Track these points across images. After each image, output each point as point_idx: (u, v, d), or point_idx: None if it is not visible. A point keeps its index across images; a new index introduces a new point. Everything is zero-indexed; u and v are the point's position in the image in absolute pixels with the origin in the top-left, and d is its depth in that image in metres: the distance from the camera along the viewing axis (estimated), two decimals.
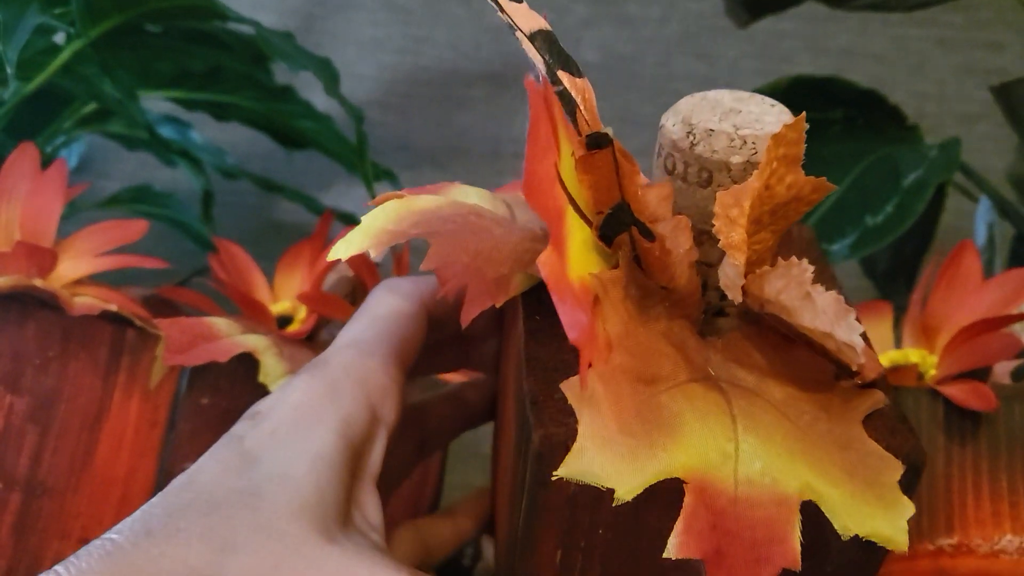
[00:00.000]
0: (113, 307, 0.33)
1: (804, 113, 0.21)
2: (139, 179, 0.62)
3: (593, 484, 0.19)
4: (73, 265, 0.36)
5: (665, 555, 0.18)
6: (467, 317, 0.25)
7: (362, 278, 0.40)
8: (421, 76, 0.79)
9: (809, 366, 0.23)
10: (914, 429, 0.22)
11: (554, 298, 0.19)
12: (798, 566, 0.18)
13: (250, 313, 0.37)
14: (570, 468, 0.19)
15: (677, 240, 0.22)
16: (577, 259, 0.21)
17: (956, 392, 0.30)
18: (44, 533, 0.32)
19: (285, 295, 0.40)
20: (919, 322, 0.35)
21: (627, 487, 0.19)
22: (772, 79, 0.49)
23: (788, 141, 0.21)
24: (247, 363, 0.34)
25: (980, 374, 0.31)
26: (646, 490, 0.19)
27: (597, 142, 0.22)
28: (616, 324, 0.21)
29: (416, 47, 0.80)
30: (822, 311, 0.20)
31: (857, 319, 0.20)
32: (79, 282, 0.36)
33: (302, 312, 0.39)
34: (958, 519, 0.28)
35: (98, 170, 0.70)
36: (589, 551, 0.23)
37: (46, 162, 0.38)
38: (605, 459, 0.19)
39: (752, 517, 0.19)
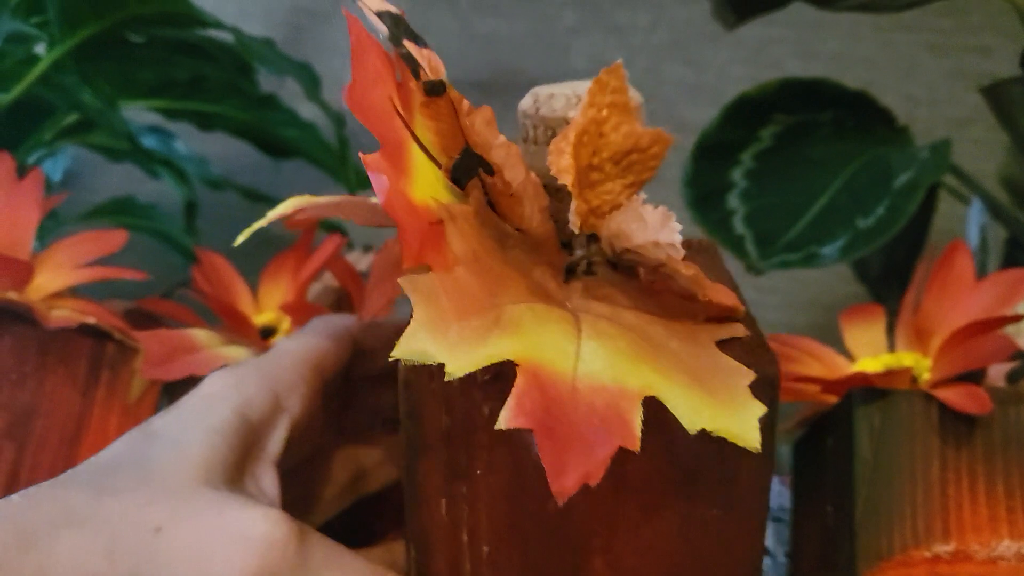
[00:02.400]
0: (91, 320, 0.33)
1: (621, 60, 0.24)
2: (124, 192, 0.61)
3: (424, 363, 0.19)
4: (51, 277, 0.35)
5: (496, 426, 0.18)
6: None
7: (347, 288, 0.39)
8: None
9: (673, 308, 0.24)
10: (773, 353, 0.23)
11: (380, 197, 0.20)
12: (636, 446, 0.19)
13: (232, 325, 0.36)
14: (402, 348, 0.19)
15: (512, 166, 0.23)
16: (423, 187, 0.22)
17: (951, 395, 0.29)
18: None
19: (269, 306, 0.40)
20: (912, 324, 0.34)
21: (458, 364, 0.19)
22: (761, 82, 0.48)
23: (611, 88, 0.24)
24: None
25: (975, 377, 0.31)
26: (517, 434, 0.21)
27: (434, 89, 0.23)
28: (463, 249, 0.22)
29: None
30: (651, 226, 0.22)
31: (678, 224, 0.21)
32: (58, 295, 0.35)
33: (286, 323, 0.38)
34: (954, 525, 0.28)
35: (83, 184, 0.69)
36: (472, 500, 0.24)
37: None
38: (438, 342, 0.19)
39: (591, 403, 0.19)
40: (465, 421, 0.23)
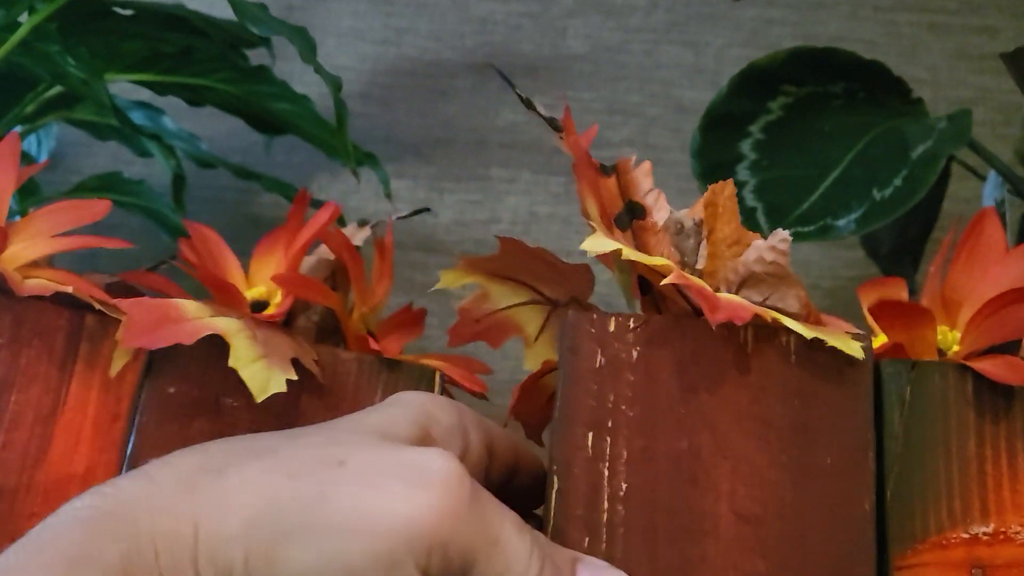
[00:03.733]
0: (68, 289, 0.31)
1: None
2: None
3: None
4: (27, 246, 0.33)
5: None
6: None
7: (342, 261, 0.37)
8: (404, 67, 0.76)
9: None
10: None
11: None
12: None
13: (222, 297, 0.34)
14: (589, 243, 0.29)
15: (660, 208, 0.33)
16: None
17: (987, 366, 0.27)
18: None
19: (260, 281, 0.38)
20: (938, 296, 0.33)
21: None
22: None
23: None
24: (218, 348, 0.31)
25: (1009, 348, 0.29)
26: (657, 378, 0.29)
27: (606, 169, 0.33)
28: None
29: (398, 38, 0.78)
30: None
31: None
32: (34, 264, 0.33)
33: (278, 297, 0.36)
34: (993, 504, 0.26)
35: (69, 166, 0.67)
36: (615, 434, 0.28)
37: None
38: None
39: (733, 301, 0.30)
40: (615, 360, 0.29)
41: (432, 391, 0.34)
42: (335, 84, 0.41)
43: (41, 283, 0.30)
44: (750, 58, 0.79)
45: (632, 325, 0.29)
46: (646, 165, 0.33)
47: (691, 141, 0.44)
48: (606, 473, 0.28)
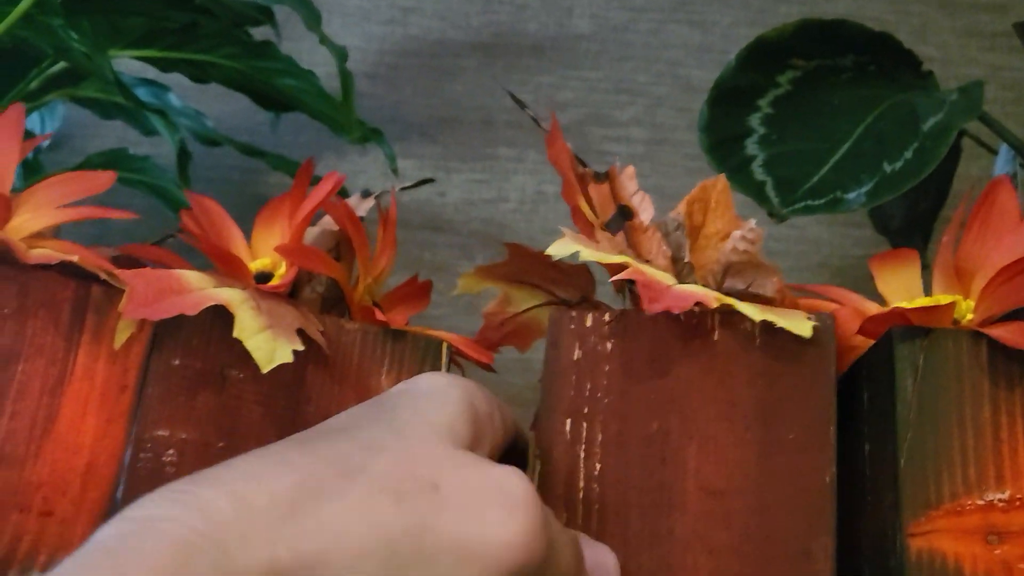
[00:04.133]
0: (74, 258, 0.30)
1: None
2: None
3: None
4: (32, 217, 0.33)
5: None
6: None
7: (346, 232, 0.37)
8: (409, 47, 0.76)
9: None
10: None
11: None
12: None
13: (225, 268, 0.34)
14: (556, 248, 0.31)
15: (645, 210, 0.35)
16: None
17: (1002, 332, 0.27)
18: (2, 506, 0.29)
19: (264, 252, 0.38)
20: (952, 266, 0.32)
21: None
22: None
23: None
24: (222, 320, 0.31)
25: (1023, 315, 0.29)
26: (630, 367, 0.31)
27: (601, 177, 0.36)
28: None
29: (404, 17, 0.78)
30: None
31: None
32: (39, 235, 0.33)
33: (282, 267, 0.36)
34: (1009, 470, 0.26)
35: (74, 146, 0.67)
36: (591, 419, 0.30)
37: None
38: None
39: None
40: (592, 353, 0.31)
41: (439, 363, 0.34)
42: (340, 55, 0.41)
43: (47, 252, 0.30)
44: None
45: (607, 319, 0.31)
46: (629, 169, 0.35)
47: (699, 115, 0.44)
48: (582, 455, 0.30)
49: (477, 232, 0.67)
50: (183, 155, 0.47)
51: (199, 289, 0.31)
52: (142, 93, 0.52)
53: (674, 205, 0.34)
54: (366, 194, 0.41)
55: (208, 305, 0.29)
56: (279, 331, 0.30)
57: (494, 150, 0.71)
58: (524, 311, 0.37)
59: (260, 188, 0.66)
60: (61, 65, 0.49)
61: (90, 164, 0.49)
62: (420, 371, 0.34)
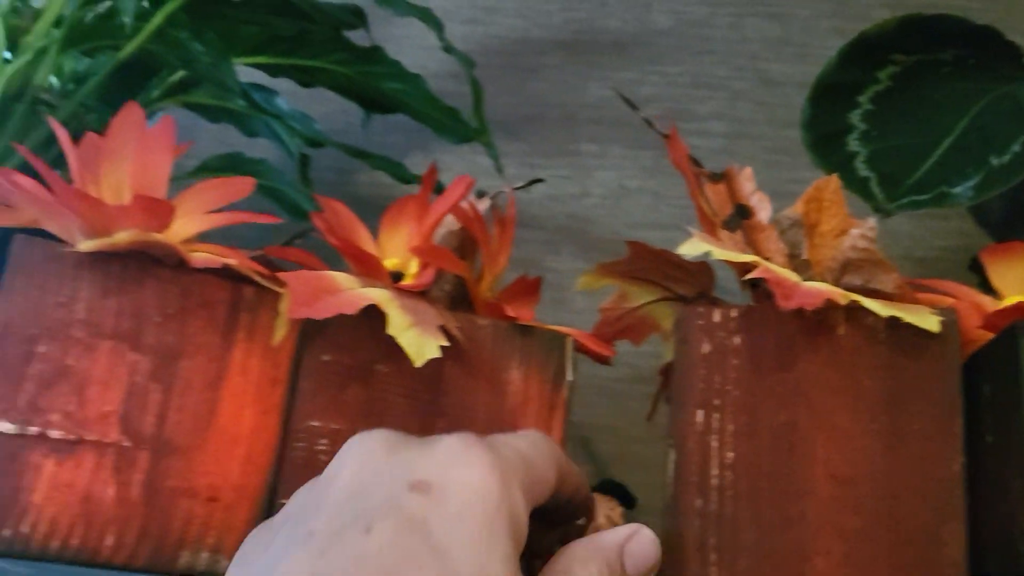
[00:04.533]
0: (233, 262, 0.33)
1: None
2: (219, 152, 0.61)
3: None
4: (184, 223, 0.35)
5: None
6: None
7: (470, 231, 0.39)
8: (492, 45, 0.78)
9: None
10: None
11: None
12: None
13: (363, 269, 0.36)
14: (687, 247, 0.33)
15: (763, 208, 0.37)
16: None
17: None
18: (173, 492, 0.32)
19: (391, 251, 0.40)
20: None
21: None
22: (863, 27, 0.47)
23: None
24: (367, 318, 0.33)
25: None
26: (758, 360, 0.32)
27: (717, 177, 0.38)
28: None
29: (486, 17, 0.79)
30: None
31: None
32: (188, 241, 0.35)
33: (414, 266, 0.38)
34: None
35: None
36: (722, 410, 0.32)
37: None
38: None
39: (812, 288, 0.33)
40: (721, 347, 0.33)
41: (563, 357, 0.36)
42: (468, 63, 0.42)
43: (209, 257, 0.32)
44: (837, 29, 0.79)
45: (734, 315, 0.33)
46: (747, 171, 0.37)
47: (801, 113, 0.45)
48: (715, 445, 0.32)
49: (562, 227, 0.68)
50: (304, 161, 0.49)
51: (349, 289, 0.33)
52: (256, 98, 0.55)
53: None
54: (480, 195, 0.43)
55: (364, 305, 0.31)
56: (424, 328, 0.32)
57: (577, 146, 0.72)
58: (640, 306, 0.39)
59: (353, 188, 0.69)
60: (179, 74, 0.51)
61: (208, 168, 0.52)
62: (548, 365, 0.36)
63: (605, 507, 0.44)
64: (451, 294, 0.38)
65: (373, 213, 0.45)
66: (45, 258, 0.32)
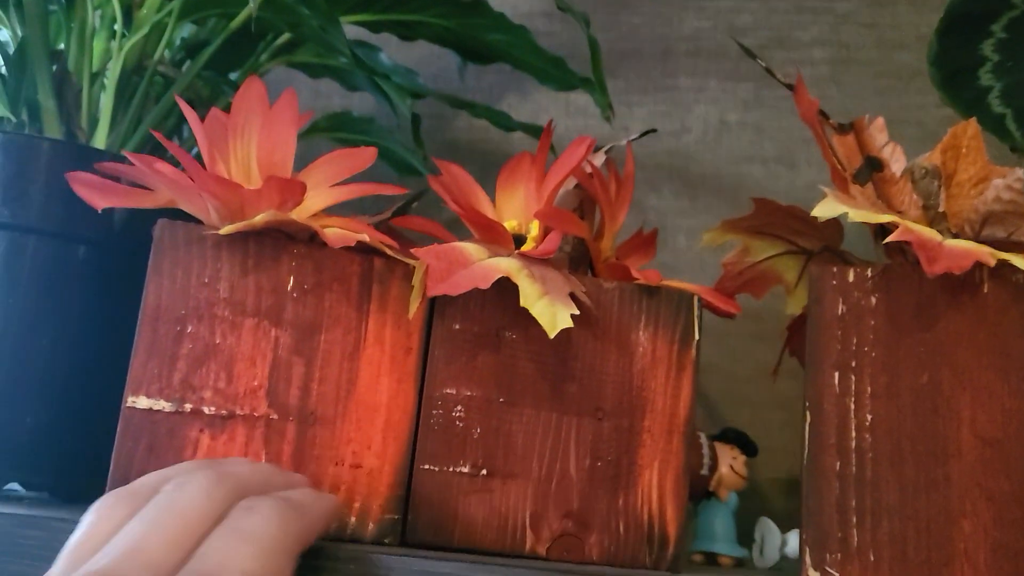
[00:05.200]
0: (365, 237, 0.33)
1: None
2: (317, 109, 0.62)
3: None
4: (313, 198, 0.36)
5: None
6: None
7: (591, 191, 0.38)
8: None
9: None
10: None
11: None
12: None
13: (487, 235, 0.36)
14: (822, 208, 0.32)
15: (896, 161, 0.36)
16: None
17: None
18: (320, 460, 0.33)
19: (510, 213, 0.40)
20: None
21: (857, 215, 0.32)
22: None
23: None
24: (495, 286, 0.33)
25: None
26: (896, 320, 0.32)
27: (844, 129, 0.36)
28: None
29: None
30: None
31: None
32: (317, 215, 0.36)
33: (533, 228, 0.38)
34: None
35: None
36: (859, 372, 0.31)
37: None
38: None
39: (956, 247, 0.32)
40: (856, 308, 0.32)
41: (691, 316, 0.36)
42: (584, 20, 0.42)
43: (344, 234, 0.33)
44: None
45: (870, 275, 0.32)
46: (879, 121, 0.36)
47: (927, 48, 0.42)
48: (852, 407, 0.31)
49: (662, 165, 0.67)
50: (416, 120, 0.49)
51: (479, 260, 0.33)
52: (360, 55, 0.55)
53: None
54: (596, 148, 0.42)
55: (497, 278, 0.32)
56: (555, 297, 0.32)
57: (675, 80, 0.70)
58: (763, 260, 0.38)
59: (449, 134, 0.69)
60: (285, 36, 0.52)
61: (318, 128, 0.52)
62: (675, 325, 0.36)
63: (728, 456, 0.45)
64: (571, 255, 0.38)
65: (470, 159, 0.45)
66: (187, 240, 0.33)
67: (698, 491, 0.44)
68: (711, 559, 0.44)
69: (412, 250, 0.33)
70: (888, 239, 0.30)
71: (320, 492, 0.31)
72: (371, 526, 0.33)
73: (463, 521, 0.34)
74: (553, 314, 0.32)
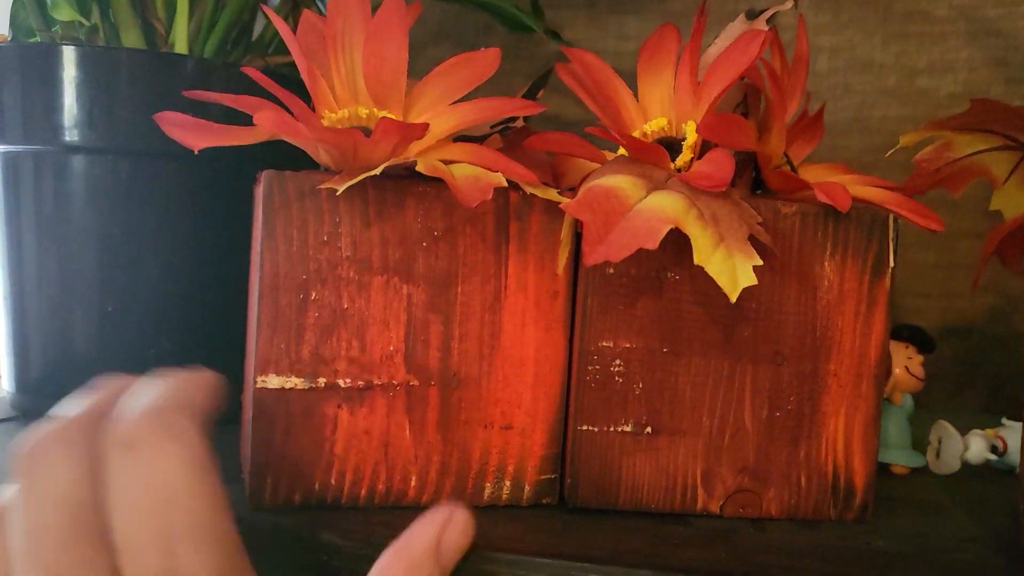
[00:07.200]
0: (502, 181, 0.28)
1: None
2: None
3: None
4: (432, 120, 0.31)
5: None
6: None
7: (755, 85, 0.32)
8: None
9: None
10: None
11: None
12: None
13: (639, 154, 0.31)
14: None
15: None
16: None
17: None
18: (467, 424, 0.30)
19: (656, 109, 0.34)
20: None
21: None
22: None
23: None
24: None
25: None
26: None
27: None
28: None
29: None
30: None
31: None
32: (441, 144, 0.31)
33: (690, 134, 0.32)
34: None
35: None
36: None
37: None
38: None
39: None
40: None
41: (886, 240, 0.30)
42: None
43: (476, 183, 0.28)
44: None
45: None
46: None
47: None
48: None
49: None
50: None
51: (636, 200, 0.28)
52: None
53: None
54: (751, 15, 0.35)
55: (665, 232, 0.27)
56: (731, 243, 0.27)
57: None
58: (966, 156, 0.32)
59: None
60: None
61: None
62: (866, 252, 0.30)
63: (902, 357, 0.40)
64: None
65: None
66: (300, 194, 0.29)
67: None
68: (883, 468, 0.40)
69: (562, 205, 0.28)
70: None
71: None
72: (527, 489, 0.31)
73: (627, 482, 0.31)
74: (733, 269, 0.27)
